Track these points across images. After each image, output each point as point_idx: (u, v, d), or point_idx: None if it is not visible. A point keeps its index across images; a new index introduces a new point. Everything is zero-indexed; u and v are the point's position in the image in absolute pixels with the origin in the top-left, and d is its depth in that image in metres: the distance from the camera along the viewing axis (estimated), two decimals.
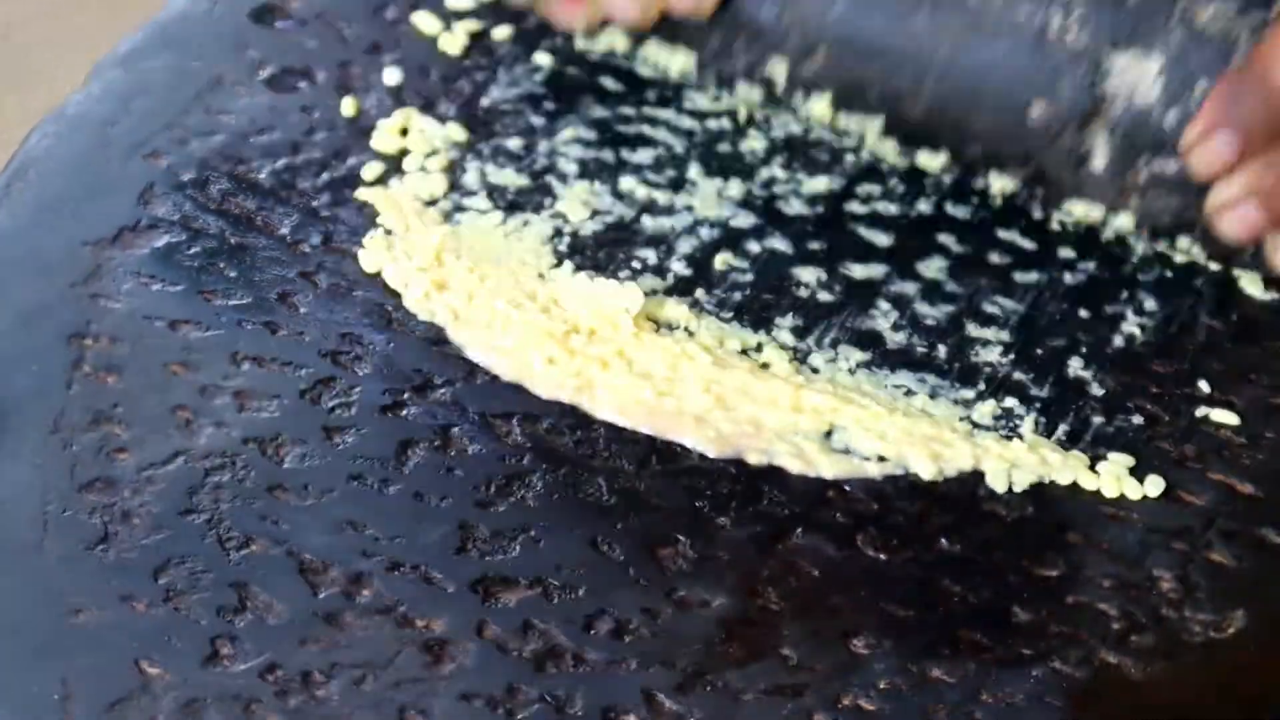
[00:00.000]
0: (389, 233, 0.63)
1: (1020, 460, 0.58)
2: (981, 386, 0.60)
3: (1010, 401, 0.60)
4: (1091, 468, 0.58)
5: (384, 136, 0.66)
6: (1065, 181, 0.63)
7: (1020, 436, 0.59)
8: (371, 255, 0.63)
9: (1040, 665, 0.53)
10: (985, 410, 0.59)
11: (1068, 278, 0.63)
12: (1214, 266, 0.64)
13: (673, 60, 0.67)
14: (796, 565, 0.55)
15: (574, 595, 0.54)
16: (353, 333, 0.61)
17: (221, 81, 0.68)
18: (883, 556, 0.56)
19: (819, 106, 0.66)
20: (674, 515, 0.56)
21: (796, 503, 0.57)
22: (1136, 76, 0.60)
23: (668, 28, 0.67)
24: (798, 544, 0.56)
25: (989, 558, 0.56)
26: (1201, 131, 0.57)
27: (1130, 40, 0.60)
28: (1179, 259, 0.63)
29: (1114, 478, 0.58)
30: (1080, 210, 0.63)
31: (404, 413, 0.59)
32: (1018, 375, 0.61)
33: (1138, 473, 0.58)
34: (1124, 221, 0.63)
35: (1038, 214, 0.64)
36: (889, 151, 0.65)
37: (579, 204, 0.64)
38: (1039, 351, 0.61)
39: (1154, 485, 0.58)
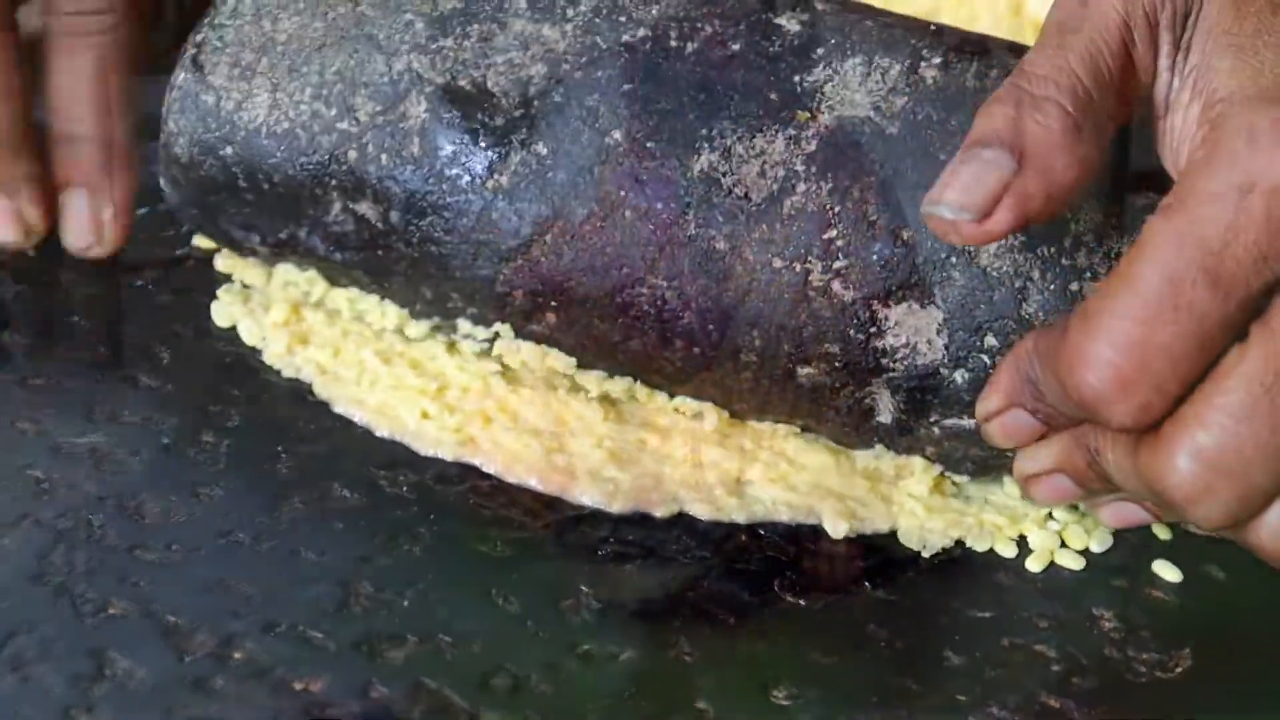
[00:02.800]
0: (246, 286, 0.59)
1: (933, 526, 0.54)
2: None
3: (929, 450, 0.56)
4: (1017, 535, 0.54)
5: None
6: (848, 438, 0.55)
7: (941, 491, 0.55)
8: (224, 309, 0.58)
9: (977, 712, 0.49)
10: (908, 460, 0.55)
11: None
12: None
13: (384, 310, 0.57)
14: (710, 613, 0.51)
15: (468, 651, 0.49)
16: (219, 385, 0.56)
17: None
18: (802, 602, 0.52)
19: (560, 361, 0.56)
20: (575, 564, 0.52)
21: (707, 548, 0.53)
22: (915, 331, 0.52)
23: (358, 278, 0.56)
24: (710, 591, 0.52)
25: (916, 599, 0.52)
26: (996, 409, 0.51)
27: (905, 287, 0.52)
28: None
29: (1044, 552, 0.54)
30: (864, 461, 0.55)
31: (277, 465, 0.54)
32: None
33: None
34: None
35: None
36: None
37: None
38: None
39: (1101, 539, 0.54)
